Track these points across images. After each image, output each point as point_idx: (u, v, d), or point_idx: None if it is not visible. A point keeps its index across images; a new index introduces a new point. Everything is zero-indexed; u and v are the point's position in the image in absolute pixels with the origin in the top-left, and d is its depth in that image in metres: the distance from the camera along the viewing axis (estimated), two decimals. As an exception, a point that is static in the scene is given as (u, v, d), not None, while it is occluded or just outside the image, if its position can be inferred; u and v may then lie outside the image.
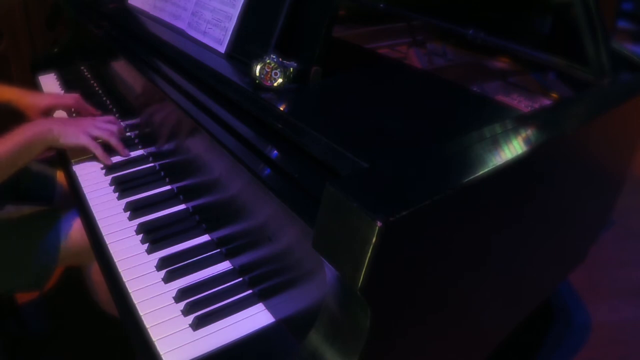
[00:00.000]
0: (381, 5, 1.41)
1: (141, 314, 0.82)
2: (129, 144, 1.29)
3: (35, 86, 1.70)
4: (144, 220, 1.03)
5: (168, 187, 1.13)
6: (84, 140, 1.14)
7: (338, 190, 0.55)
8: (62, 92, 1.63)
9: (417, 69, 1.23)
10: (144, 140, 1.28)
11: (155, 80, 1.09)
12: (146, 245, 0.96)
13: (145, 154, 1.25)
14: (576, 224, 1.10)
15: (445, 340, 0.78)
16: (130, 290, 0.86)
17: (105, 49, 1.44)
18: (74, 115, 1.38)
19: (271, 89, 0.87)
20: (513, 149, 0.68)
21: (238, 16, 1.01)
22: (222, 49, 1.03)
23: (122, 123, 1.38)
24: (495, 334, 0.95)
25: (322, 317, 0.64)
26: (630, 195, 1.50)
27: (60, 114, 1.39)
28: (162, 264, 0.91)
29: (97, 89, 1.61)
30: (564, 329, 1.65)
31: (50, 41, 2.19)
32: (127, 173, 1.18)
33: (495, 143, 0.69)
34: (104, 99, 1.54)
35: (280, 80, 0.87)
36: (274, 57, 0.87)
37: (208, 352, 0.75)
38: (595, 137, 0.94)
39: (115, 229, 1.01)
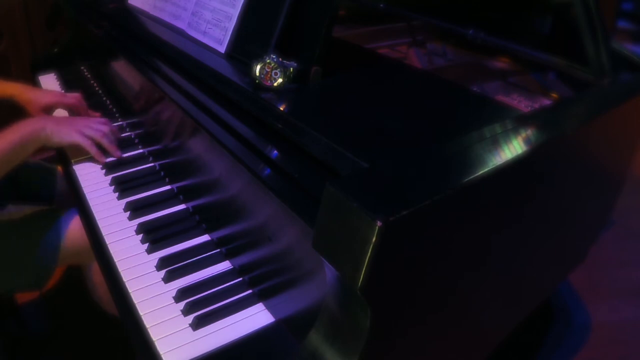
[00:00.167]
0: (381, 5, 1.41)
1: (141, 313, 0.82)
2: (129, 144, 1.29)
3: (35, 86, 1.70)
4: (144, 220, 1.03)
5: (168, 187, 1.13)
6: (77, 138, 1.14)
7: (338, 190, 0.55)
8: (63, 92, 1.63)
9: (417, 69, 1.23)
10: (144, 140, 1.28)
11: (155, 80, 1.09)
12: (146, 245, 0.96)
13: (145, 153, 1.25)
14: (576, 224, 1.10)
15: (445, 340, 0.78)
16: (130, 290, 0.86)
17: (105, 49, 1.44)
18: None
19: (271, 89, 0.87)
20: (513, 149, 0.68)
21: (238, 16, 1.01)
22: (222, 49, 1.03)
23: (122, 123, 1.39)
24: (495, 334, 0.95)
25: (322, 317, 0.64)
26: (630, 195, 1.50)
27: (60, 112, 1.40)
28: (162, 263, 0.91)
29: (97, 89, 1.61)
30: (564, 329, 1.65)
31: (50, 41, 2.19)
32: (127, 173, 1.18)
33: (495, 143, 0.69)
34: (104, 99, 1.54)
35: (280, 80, 0.87)
36: (274, 57, 0.87)
37: (208, 352, 0.75)
38: (595, 137, 0.94)
39: (115, 229, 1.01)
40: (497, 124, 0.74)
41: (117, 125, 1.39)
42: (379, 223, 0.51)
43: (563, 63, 1.03)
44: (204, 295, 0.84)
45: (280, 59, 0.87)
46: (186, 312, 0.81)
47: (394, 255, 0.55)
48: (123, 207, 1.07)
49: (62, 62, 1.81)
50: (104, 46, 1.44)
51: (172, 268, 0.90)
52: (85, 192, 1.13)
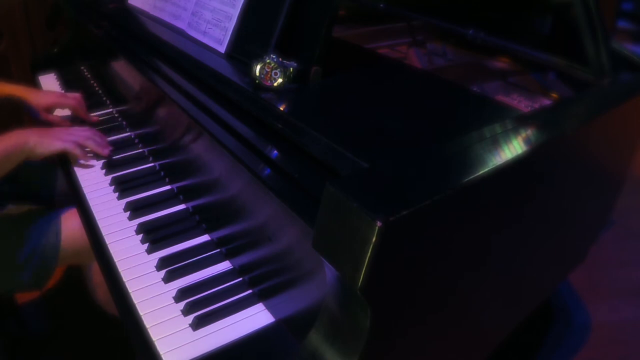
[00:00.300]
0: (381, 5, 1.41)
1: (141, 314, 0.82)
2: (129, 144, 1.29)
3: (35, 86, 1.70)
4: (144, 220, 1.03)
5: (168, 187, 1.13)
6: (60, 145, 1.16)
7: (338, 190, 0.55)
8: (63, 92, 1.63)
9: (417, 69, 1.23)
10: (144, 140, 1.28)
11: (155, 80, 1.09)
12: (146, 245, 0.96)
13: (145, 153, 1.25)
14: (576, 224, 1.10)
15: (445, 340, 0.78)
16: (130, 290, 0.86)
17: (105, 49, 1.44)
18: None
19: (271, 89, 0.87)
20: (513, 149, 0.68)
21: (238, 16, 1.01)
22: (222, 49, 1.03)
23: (123, 123, 1.39)
24: (495, 334, 0.95)
25: (322, 317, 0.64)
26: (630, 195, 1.50)
27: (60, 112, 1.40)
28: (162, 264, 0.91)
29: (97, 89, 1.61)
30: (564, 329, 1.65)
31: (50, 41, 2.19)
32: (127, 173, 1.18)
33: (495, 143, 0.69)
34: (104, 99, 1.54)
35: (280, 80, 0.87)
36: (274, 57, 0.87)
37: (208, 352, 0.75)
38: (595, 137, 0.94)
39: (115, 229, 1.01)
40: (497, 124, 0.74)
41: (117, 125, 1.39)
42: (379, 223, 0.51)
43: (563, 63, 1.03)
44: (204, 296, 0.84)
45: (280, 59, 0.87)
46: (186, 312, 0.81)
47: (394, 255, 0.55)
48: (123, 207, 1.07)
49: (62, 62, 1.81)
50: (104, 46, 1.44)
51: (172, 268, 0.90)
52: (85, 192, 1.13)
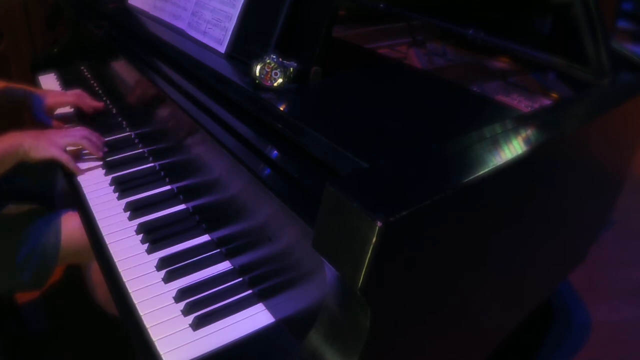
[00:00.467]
0: (381, 5, 1.41)
1: (141, 314, 0.82)
2: (129, 144, 1.29)
3: (35, 86, 1.70)
4: (144, 220, 1.03)
5: (168, 187, 1.13)
6: (54, 153, 1.15)
7: (338, 190, 0.55)
8: (62, 90, 1.64)
9: (417, 69, 1.23)
10: (144, 139, 1.28)
11: (155, 80, 1.09)
12: (146, 245, 0.96)
13: (145, 153, 1.25)
14: (576, 224, 1.10)
15: (445, 340, 0.78)
16: (130, 290, 0.86)
17: (105, 49, 1.44)
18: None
19: (271, 89, 0.87)
20: (513, 149, 0.68)
21: (238, 16, 1.01)
22: (222, 49, 1.03)
23: (122, 122, 1.39)
24: (495, 334, 0.95)
25: (322, 317, 0.64)
26: (630, 195, 1.50)
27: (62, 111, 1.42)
28: (162, 264, 0.91)
29: (97, 89, 1.61)
30: (564, 329, 1.65)
31: (50, 41, 2.19)
32: (127, 173, 1.18)
33: (495, 143, 0.69)
34: (104, 98, 1.54)
35: (280, 80, 0.87)
36: (274, 57, 0.87)
37: (208, 352, 0.75)
38: (595, 137, 0.94)
39: (115, 229, 1.01)
40: (497, 124, 0.74)
41: (117, 124, 1.39)
42: (379, 223, 0.51)
43: (563, 63, 1.03)
44: (204, 296, 0.84)
45: (280, 59, 0.87)
46: (186, 312, 0.81)
47: (394, 255, 0.55)
48: (123, 207, 1.07)
49: (62, 62, 1.82)
50: (104, 46, 1.44)
51: (172, 268, 0.90)
52: (85, 192, 1.13)
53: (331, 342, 0.62)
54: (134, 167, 1.20)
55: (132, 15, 1.34)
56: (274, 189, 0.72)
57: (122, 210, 1.06)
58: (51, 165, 1.44)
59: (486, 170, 0.62)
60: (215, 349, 0.76)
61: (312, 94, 0.90)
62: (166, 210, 1.06)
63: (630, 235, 2.10)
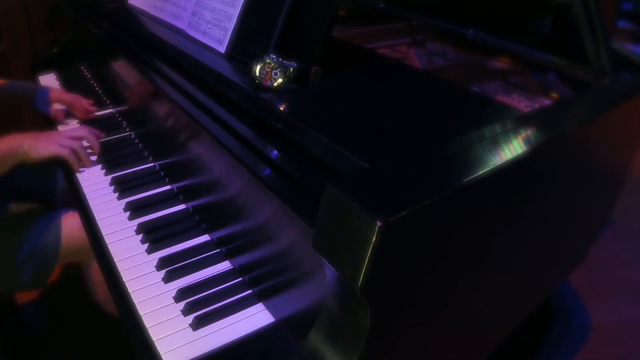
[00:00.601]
0: (381, 5, 1.41)
1: (141, 313, 0.82)
2: (129, 144, 1.29)
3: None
4: (144, 220, 1.03)
5: (168, 187, 1.13)
6: (55, 150, 1.16)
7: (338, 190, 0.55)
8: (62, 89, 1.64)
9: (417, 69, 1.23)
10: (144, 139, 1.28)
11: (155, 80, 1.09)
12: (146, 245, 0.96)
13: (145, 153, 1.25)
14: (576, 224, 1.10)
15: (445, 340, 0.78)
16: (130, 290, 0.86)
17: (105, 49, 1.44)
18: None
19: (271, 89, 0.87)
20: (513, 149, 0.68)
21: (238, 16, 1.01)
22: (222, 49, 1.03)
23: (122, 122, 1.39)
24: (495, 334, 0.95)
25: (322, 317, 0.64)
26: (630, 195, 1.50)
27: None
28: (162, 263, 0.91)
29: (97, 89, 1.61)
30: (564, 329, 1.65)
31: (50, 41, 2.19)
32: (127, 173, 1.18)
33: (495, 143, 0.69)
34: (104, 98, 1.54)
35: (280, 80, 0.87)
36: (274, 57, 0.87)
37: (208, 352, 0.75)
38: (595, 137, 0.94)
39: (115, 229, 1.01)
40: (497, 124, 0.74)
41: (117, 124, 1.39)
42: (379, 223, 0.51)
43: (563, 63, 1.03)
44: (204, 295, 0.84)
45: (280, 59, 0.87)
46: (186, 312, 0.81)
47: (394, 255, 0.55)
48: (123, 207, 1.07)
49: (62, 62, 1.82)
50: (104, 46, 1.44)
51: (172, 268, 0.90)
52: (85, 192, 1.13)
53: (331, 342, 0.62)
54: (134, 167, 1.20)
55: (132, 15, 1.34)
56: (274, 189, 0.72)
57: (122, 210, 1.06)
58: (51, 165, 1.44)
59: (486, 170, 0.62)
60: (215, 348, 0.76)
61: (312, 94, 0.90)
62: (166, 210, 1.06)
63: (630, 235, 2.10)
